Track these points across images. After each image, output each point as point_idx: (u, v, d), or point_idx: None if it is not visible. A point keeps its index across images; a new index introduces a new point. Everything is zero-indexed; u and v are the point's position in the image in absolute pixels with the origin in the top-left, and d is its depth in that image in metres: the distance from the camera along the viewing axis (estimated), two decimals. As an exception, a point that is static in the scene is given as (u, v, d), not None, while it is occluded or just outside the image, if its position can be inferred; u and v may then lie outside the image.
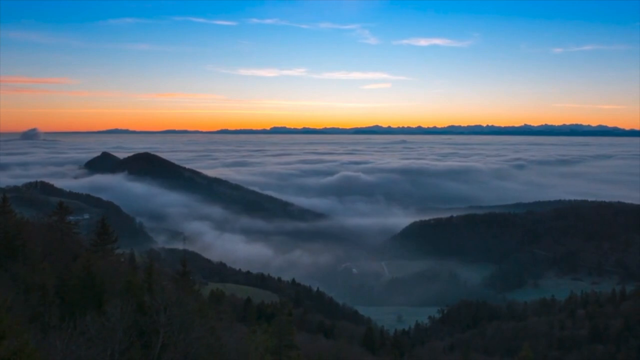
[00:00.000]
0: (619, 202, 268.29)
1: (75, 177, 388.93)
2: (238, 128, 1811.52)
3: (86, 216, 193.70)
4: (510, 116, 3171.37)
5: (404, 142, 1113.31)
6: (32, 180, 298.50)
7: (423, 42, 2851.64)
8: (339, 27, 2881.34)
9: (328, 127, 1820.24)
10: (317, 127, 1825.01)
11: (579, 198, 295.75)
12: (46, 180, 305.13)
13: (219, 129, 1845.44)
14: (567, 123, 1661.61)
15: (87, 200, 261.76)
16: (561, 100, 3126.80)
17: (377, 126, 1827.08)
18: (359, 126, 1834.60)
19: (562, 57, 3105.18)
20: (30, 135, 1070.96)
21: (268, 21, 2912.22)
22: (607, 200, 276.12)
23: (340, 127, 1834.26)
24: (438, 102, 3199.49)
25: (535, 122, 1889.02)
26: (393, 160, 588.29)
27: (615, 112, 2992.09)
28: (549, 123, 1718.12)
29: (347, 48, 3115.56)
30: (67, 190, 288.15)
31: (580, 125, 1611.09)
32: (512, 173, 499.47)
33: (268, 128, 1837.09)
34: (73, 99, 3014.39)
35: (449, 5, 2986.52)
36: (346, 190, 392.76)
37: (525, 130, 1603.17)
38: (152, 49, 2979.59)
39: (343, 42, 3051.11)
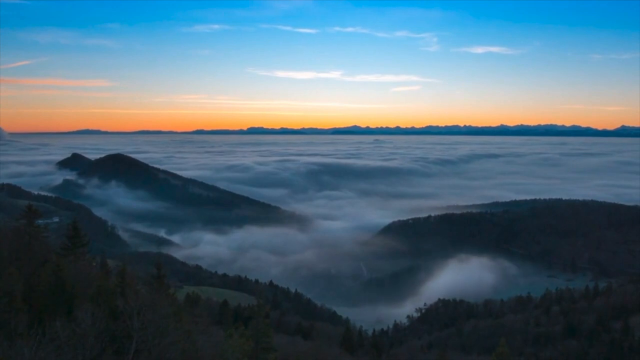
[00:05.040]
0: (592, 201, 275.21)
1: (45, 179, 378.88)
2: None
3: (55, 219, 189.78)
4: (488, 116, 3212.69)
5: (377, 141, 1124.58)
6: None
7: (479, 49, 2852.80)
8: (413, 36, 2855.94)
9: (305, 127, 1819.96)
10: (295, 127, 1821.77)
11: (553, 197, 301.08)
12: (13, 182, 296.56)
13: (195, 128, 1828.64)
14: (542, 123, 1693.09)
15: (57, 202, 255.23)
16: (537, 101, 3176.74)
17: (355, 126, 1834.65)
18: (337, 126, 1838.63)
19: (540, 59, 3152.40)
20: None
21: (349, 29, 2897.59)
22: (580, 199, 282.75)
23: (319, 127, 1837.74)
24: (431, 103, 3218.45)
25: (511, 123, 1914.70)
26: (370, 161, 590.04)
27: (590, 112, 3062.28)
28: (525, 123, 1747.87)
29: (405, 54, 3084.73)
30: (36, 192, 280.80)
31: (555, 126, 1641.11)
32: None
33: (245, 128, 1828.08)
34: (71, 99, 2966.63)
35: (513, 14, 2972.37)
36: (323, 189, 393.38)
37: (502, 130, 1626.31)
38: (211, 54, 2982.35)
39: (409, 49, 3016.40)
